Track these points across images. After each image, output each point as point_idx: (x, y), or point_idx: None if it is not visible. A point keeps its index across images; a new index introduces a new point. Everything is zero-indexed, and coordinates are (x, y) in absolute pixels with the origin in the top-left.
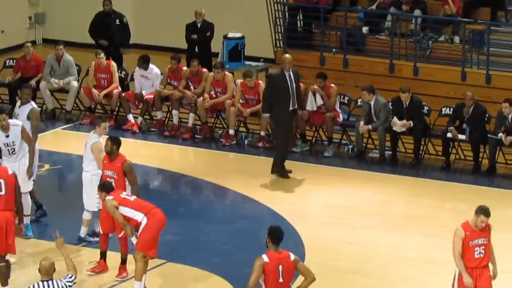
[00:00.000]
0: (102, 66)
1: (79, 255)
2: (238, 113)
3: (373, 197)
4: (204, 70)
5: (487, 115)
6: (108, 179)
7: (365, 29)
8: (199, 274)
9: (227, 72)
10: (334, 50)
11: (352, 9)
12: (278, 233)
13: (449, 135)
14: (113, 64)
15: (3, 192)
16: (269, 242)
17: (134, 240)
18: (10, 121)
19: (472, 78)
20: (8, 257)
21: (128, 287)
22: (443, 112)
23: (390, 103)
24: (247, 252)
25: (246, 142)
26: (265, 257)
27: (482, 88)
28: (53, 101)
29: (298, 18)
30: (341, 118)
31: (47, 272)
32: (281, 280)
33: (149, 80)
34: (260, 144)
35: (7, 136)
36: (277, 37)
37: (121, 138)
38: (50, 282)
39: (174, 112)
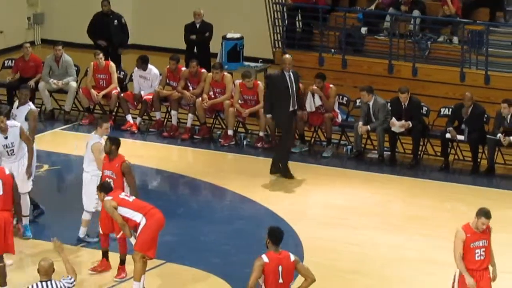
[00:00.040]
0: (101, 66)
1: (78, 256)
2: (237, 114)
3: (372, 197)
4: (203, 70)
5: (485, 115)
6: (107, 179)
7: (364, 30)
8: (198, 274)
9: (226, 73)
10: (333, 50)
11: (351, 9)
12: (278, 234)
13: (448, 135)
14: (112, 65)
15: (1, 192)
16: (269, 242)
17: (133, 240)
18: (9, 122)
19: (471, 78)
20: (5, 259)
21: None
22: (442, 113)
23: (389, 104)
24: (246, 252)
25: (245, 142)
26: (265, 258)
27: (481, 88)
28: (52, 101)
29: (297, 18)
30: (340, 118)
31: (46, 273)
32: (281, 280)
33: (148, 80)
34: (259, 145)
35: (6, 138)
36: (276, 38)
37: (120, 139)
38: (49, 282)
39: (173, 112)
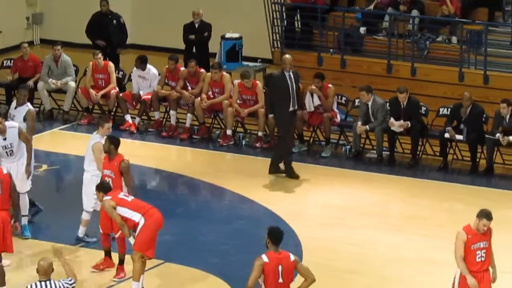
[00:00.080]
0: (100, 66)
1: (77, 256)
2: (235, 114)
3: (370, 197)
4: (202, 70)
5: (484, 115)
6: (106, 178)
7: (362, 30)
8: (197, 274)
9: (224, 73)
10: (331, 50)
11: (349, 9)
12: (278, 234)
13: (446, 135)
14: (111, 65)
15: None
16: (269, 242)
17: (131, 240)
18: (7, 123)
19: (470, 78)
20: (3, 259)
21: None
22: (440, 113)
23: (387, 104)
24: (245, 252)
25: (243, 142)
26: (264, 257)
27: (479, 88)
28: (50, 101)
29: (295, 18)
30: (338, 118)
31: (45, 272)
32: (280, 280)
33: (147, 80)
34: (257, 145)
35: (5, 139)
36: (274, 38)
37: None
38: (48, 282)
39: (172, 112)
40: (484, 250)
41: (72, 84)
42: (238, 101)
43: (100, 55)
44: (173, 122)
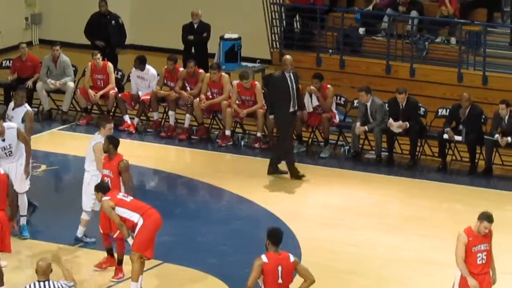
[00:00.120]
0: (99, 67)
1: (76, 256)
2: (234, 114)
3: (369, 198)
4: (201, 71)
5: (483, 116)
6: (105, 178)
7: (361, 30)
8: (195, 275)
9: (223, 73)
10: (330, 51)
11: (348, 10)
12: (278, 234)
13: (445, 136)
14: (110, 65)
15: None
16: (269, 243)
17: (130, 241)
18: (5, 124)
19: (469, 79)
20: (0, 259)
21: None
22: (439, 113)
23: (386, 104)
24: (243, 253)
25: (242, 143)
26: (264, 258)
27: (478, 89)
28: (49, 101)
29: (294, 19)
30: (337, 119)
31: (44, 273)
32: (280, 281)
33: (146, 81)
34: (256, 145)
35: (3, 140)
36: (273, 38)
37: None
38: (46, 282)
39: (171, 113)
40: (485, 252)
41: (71, 84)
42: (237, 102)
43: (99, 55)
44: (172, 123)
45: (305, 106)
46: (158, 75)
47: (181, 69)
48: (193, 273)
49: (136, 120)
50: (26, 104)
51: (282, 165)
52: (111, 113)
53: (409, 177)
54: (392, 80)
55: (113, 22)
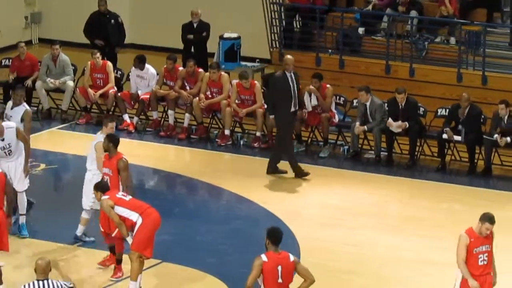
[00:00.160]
0: (98, 66)
1: (75, 255)
2: (233, 114)
3: (368, 198)
4: (200, 70)
5: (482, 116)
6: (105, 177)
7: (361, 30)
8: (195, 274)
9: (223, 73)
10: (330, 50)
11: (348, 9)
12: (278, 234)
13: (444, 136)
14: (109, 64)
15: None
16: (269, 243)
17: (129, 240)
18: (4, 124)
19: (468, 79)
20: None
21: (123, 287)
22: (438, 113)
23: (385, 104)
24: (242, 252)
25: (241, 142)
26: (264, 257)
27: (478, 89)
28: (49, 100)
29: (294, 18)
30: (336, 118)
31: (43, 272)
32: (280, 280)
33: (145, 80)
34: (255, 145)
35: (3, 140)
36: (273, 38)
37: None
38: (45, 281)
39: (170, 112)
40: (486, 254)
41: (71, 83)
42: (236, 101)
43: (98, 54)
44: (171, 122)
45: (305, 105)
46: (157, 74)
47: (181, 68)
48: (192, 272)
49: (135, 119)
50: (25, 103)
51: (282, 165)
52: (111, 112)
53: (409, 177)
54: (392, 80)
55: (112, 21)
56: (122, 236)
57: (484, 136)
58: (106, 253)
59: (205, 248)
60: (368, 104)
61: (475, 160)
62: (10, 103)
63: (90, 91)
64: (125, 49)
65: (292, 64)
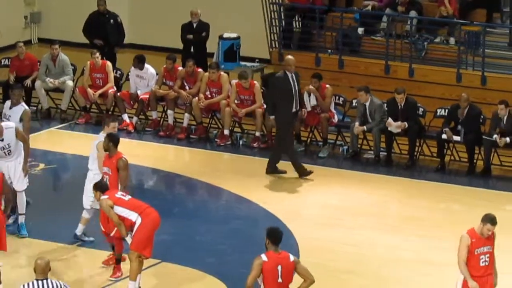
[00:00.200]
0: (98, 65)
1: (75, 255)
2: (233, 114)
3: (368, 198)
4: (200, 70)
5: (482, 116)
6: (105, 176)
7: (360, 30)
8: (194, 274)
9: (222, 73)
10: (329, 51)
11: (347, 10)
12: (277, 234)
13: (444, 136)
14: (109, 64)
15: None
16: (269, 243)
17: (128, 240)
18: (3, 124)
19: (468, 79)
20: None
21: (122, 287)
22: (438, 114)
23: (385, 104)
24: (241, 252)
25: (241, 142)
26: (264, 257)
27: (477, 89)
28: (48, 100)
29: (294, 18)
30: (336, 118)
31: (43, 271)
32: (280, 280)
33: (144, 80)
34: (255, 145)
35: (2, 140)
36: (272, 38)
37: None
38: (45, 281)
39: (169, 112)
40: (488, 255)
41: (70, 83)
42: (235, 101)
43: (98, 54)
44: (171, 122)
45: (305, 104)
46: (157, 74)
47: (180, 68)
48: (191, 272)
49: (135, 119)
50: (23, 103)
51: (281, 165)
52: (110, 112)
53: (408, 177)
54: (391, 80)
55: (111, 21)
56: (120, 236)
57: (484, 137)
58: (107, 252)
59: (204, 248)
60: (367, 104)
61: (474, 161)
62: (8, 103)
63: (90, 91)
64: (124, 49)
65: (294, 65)
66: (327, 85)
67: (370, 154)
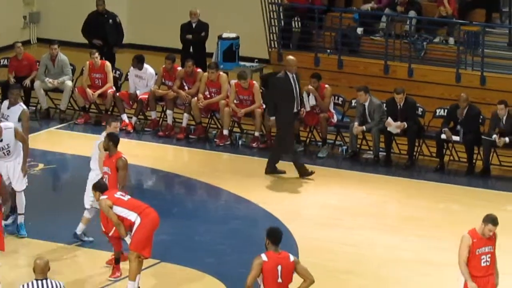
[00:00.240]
0: (97, 65)
1: (75, 255)
2: (232, 114)
3: (367, 198)
4: (199, 70)
5: (481, 116)
6: (104, 175)
7: (359, 30)
8: (193, 274)
9: (221, 73)
10: (328, 51)
11: (347, 9)
12: (277, 234)
13: (443, 136)
14: (108, 64)
15: None
16: (269, 243)
17: (128, 240)
18: (2, 124)
19: (467, 79)
20: None
21: (121, 287)
22: (437, 114)
23: (384, 104)
24: (240, 252)
25: (240, 142)
26: (264, 256)
27: (476, 89)
28: (47, 100)
29: (293, 18)
30: (335, 119)
31: (42, 271)
32: (280, 280)
33: (144, 80)
34: (254, 145)
35: (1, 140)
36: (271, 38)
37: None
38: (44, 281)
39: (168, 112)
40: (489, 255)
41: (69, 83)
42: (235, 101)
43: (97, 54)
44: (170, 122)
45: (304, 105)
46: (156, 74)
47: (179, 68)
48: (190, 272)
49: (134, 119)
50: (21, 103)
51: (281, 165)
52: (109, 112)
53: (407, 177)
54: (390, 80)
55: (110, 21)
56: (119, 236)
57: (483, 137)
58: (106, 252)
59: (203, 248)
60: (366, 104)
61: (474, 161)
62: (6, 103)
63: (89, 91)
64: (123, 49)
65: (295, 65)
66: (326, 85)
67: (369, 154)
